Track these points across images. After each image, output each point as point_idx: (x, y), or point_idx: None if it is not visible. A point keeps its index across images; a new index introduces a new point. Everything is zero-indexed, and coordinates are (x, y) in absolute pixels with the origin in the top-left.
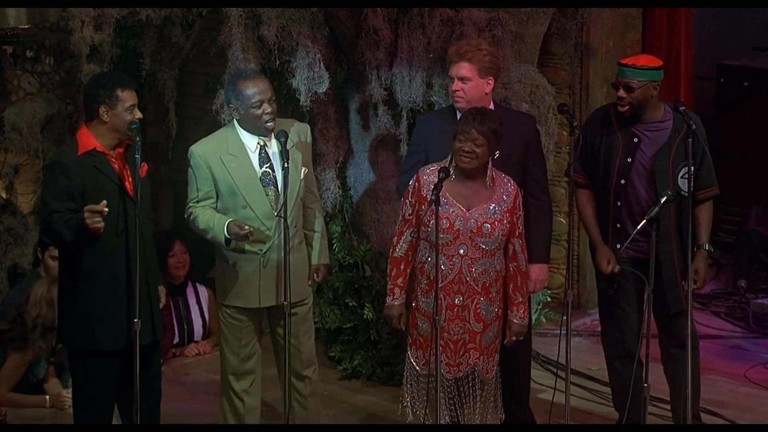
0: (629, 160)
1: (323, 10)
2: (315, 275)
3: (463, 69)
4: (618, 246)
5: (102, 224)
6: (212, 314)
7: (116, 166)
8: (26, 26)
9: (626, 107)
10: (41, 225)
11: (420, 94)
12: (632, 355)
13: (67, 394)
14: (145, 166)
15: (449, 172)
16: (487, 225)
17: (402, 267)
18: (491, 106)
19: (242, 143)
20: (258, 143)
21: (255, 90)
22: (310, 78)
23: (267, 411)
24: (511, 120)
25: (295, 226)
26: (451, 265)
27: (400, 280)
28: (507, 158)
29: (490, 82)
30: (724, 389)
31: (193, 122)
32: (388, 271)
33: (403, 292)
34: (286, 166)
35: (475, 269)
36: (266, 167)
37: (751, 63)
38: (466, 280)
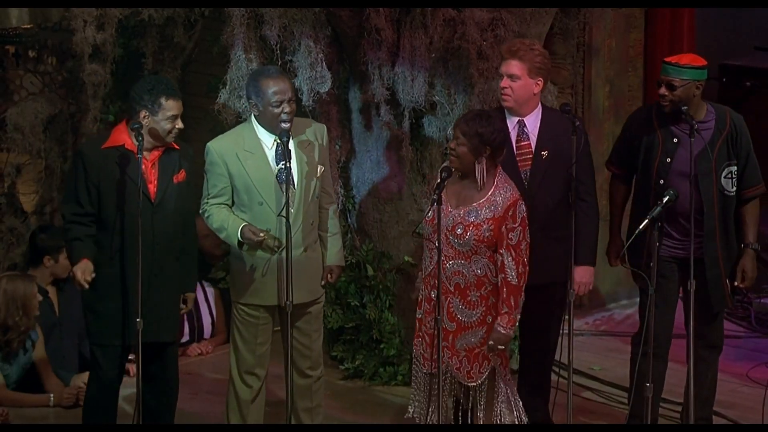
0: (668, 160)
1: (325, 9)
2: (328, 276)
3: (513, 66)
4: (657, 244)
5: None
6: (219, 313)
7: (144, 167)
8: (29, 26)
9: (667, 104)
10: (63, 218)
11: (422, 94)
12: (659, 355)
13: (69, 393)
14: (183, 173)
15: (451, 172)
16: (461, 226)
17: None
18: (539, 108)
19: (259, 140)
20: (275, 141)
21: (276, 89)
22: (313, 78)
23: (270, 410)
24: (561, 122)
25: (311, 224)
26: (430, 258)
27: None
28: (555, 159)
29: (539, 83)
30: (727, 389)
31: (195, 122)
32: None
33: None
34: (288, 165)
35: (449, 267)
36: (282, 164)
37: (753, 63)
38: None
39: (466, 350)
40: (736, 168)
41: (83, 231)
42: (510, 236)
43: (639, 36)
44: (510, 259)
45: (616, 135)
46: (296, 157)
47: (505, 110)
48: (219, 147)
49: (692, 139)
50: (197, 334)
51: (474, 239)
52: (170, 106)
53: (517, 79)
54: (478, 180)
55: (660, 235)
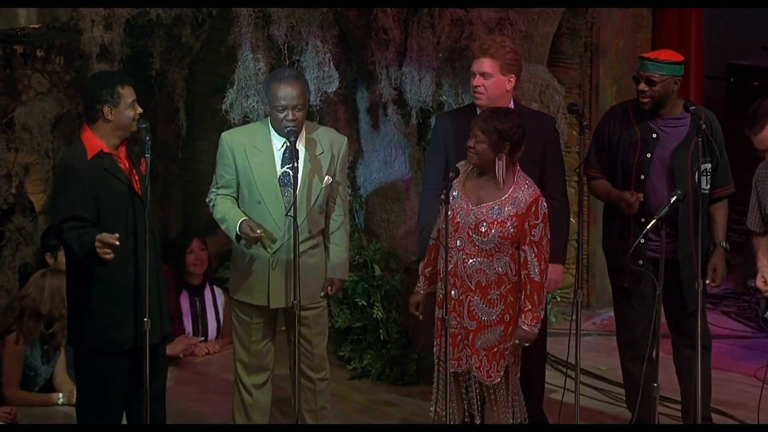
0: (648, 155)
1: (333, 9)
2: (328, 288)
3: (485, 65)
4: (642, 241)
5: (111, 256)
6: (226, 316)
7: (123, 166)
8: (36, 26)
9: (647, 100)
10: (54, 231)
11: (429, 94)
12: (643, 357)
13: None
14: (143, 163)
15: (458, 171)
16: (484, 224)
17: (432, 256)
18: (511, 105)
19: (270, 140)
20: (284, 143)
21: (282, 94)
22: (320, 77)
23: (276, 410)
24: (531, 119)
25: (309, 232)
26: (449, 256)
27: (428, 269)
28: (527, 158)
29: (511, 79)
30: (734, 389)
31: (202, 122)
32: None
33: (426, 281)
34: (295, 165)
35: (470, 265)
36: (287, 167)
37: (760, 63)
38: (460, 274)
39: (486, 349)
40: (710, 166)
41: (85, 229)
42: (533, 233)
43: (647, 36)
44: (533, 255)
45: None
46: (303, 162)
47: (477, 108)
48: (230, 139)
49: (700, 139)
50: (201, 335)
51: (499, 236)
52: (127, 93)
53: (490, 77)
54: (498, 177)
55: (627, 243)
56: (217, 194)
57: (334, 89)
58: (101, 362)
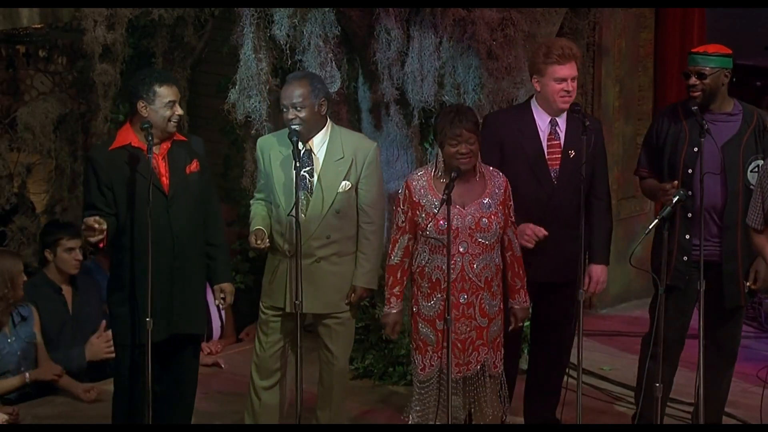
0: (695, 149)
1: (335, 9)
2: (351, 295)
3: (574, 68)
4: (687, 236)
5: (97, 239)
6: (227, 317)
7: (154, 161)
8: (39, 26)
9: (699, 93)
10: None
11: (432, 94)
12: (668, 358)
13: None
14: (195, 162)
15: (460, 171)
16: (484, 219)
17: (399, 275)
18: None
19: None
20: (305, 147)
21: (284, 94)
22: (322, 77)
23: (291, 412)
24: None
25: (327, 237)
26: (452, 264)
27: (396, 288)
28: (581, 158)
29: None
30: (737, 389)
31: (205, 122)
32: (385, 279)
33: (399, 300)
34: (298, 165)
35: (477, 265)
36: (304, 171)
37: (763, 63)
38: (469, 277)
39: (492, 340)
40: (763, 162)
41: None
42: (511, 214)
43: (649, 36)
44: (513, 234)
45: (626, 134)
46: (322, 167)
47: (536, 108)
48: (262, 143)
49: (702, 139)
50: (206, 336)
51: (499, 227)
52: (165, 93)
53: (575, 79)
54: (479, 169)
55: (691, 226)
56: (255, 198)
57: (336, 89)
58: (130, 356)
